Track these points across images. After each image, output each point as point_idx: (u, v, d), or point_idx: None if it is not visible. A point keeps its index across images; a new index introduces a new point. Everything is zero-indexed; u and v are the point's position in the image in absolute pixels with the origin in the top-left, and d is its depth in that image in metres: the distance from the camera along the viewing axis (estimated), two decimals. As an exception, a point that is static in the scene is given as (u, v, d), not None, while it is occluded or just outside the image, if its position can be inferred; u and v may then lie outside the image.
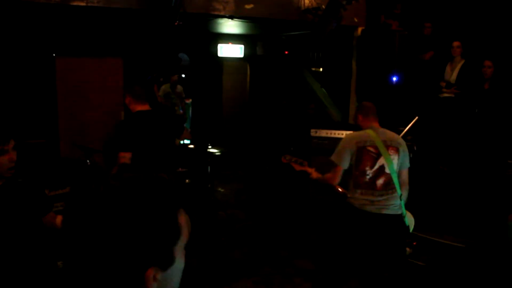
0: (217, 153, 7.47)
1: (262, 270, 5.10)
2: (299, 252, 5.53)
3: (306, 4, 7.57)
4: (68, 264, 0.90)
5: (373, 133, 3.70)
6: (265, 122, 9.92)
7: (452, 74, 6.96)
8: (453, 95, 6.97)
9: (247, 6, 7.20)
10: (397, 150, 3.69)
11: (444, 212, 5.74)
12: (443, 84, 7.02)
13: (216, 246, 5.66)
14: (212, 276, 4.89)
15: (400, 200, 3.67)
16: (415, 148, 6.37)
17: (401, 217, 3.71)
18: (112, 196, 0.90)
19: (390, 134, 3.78)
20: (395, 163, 3.66)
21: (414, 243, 5.01)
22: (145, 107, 4.15)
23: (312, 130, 5.56)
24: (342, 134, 5.52)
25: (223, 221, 6.45)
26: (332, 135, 5.52)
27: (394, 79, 7.39)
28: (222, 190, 7.99)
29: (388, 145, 3.67)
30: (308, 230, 5.79)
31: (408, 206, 4.28)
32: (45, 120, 7.13)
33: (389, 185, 3.64)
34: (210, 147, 6.01)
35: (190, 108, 10.31)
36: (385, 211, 3.65)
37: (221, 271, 5.02)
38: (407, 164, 3.77)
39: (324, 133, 5.52)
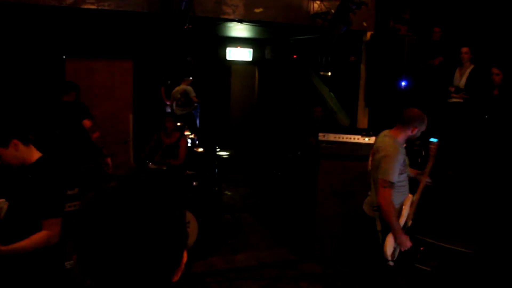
0: (224, 156, 7.49)
1: (269, 273, 5.10)
2: (307, 256, 5.52)
3: (315, 9, 7.58)
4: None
5: None
6: (273, 126, 9.92)
7: (461, 79, 6.93)
8: (462, 100, 6.93)
9: (257, 10, 7.22)
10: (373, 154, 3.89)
11: (452, 218, 5.71)
12: (452, 89, 6.99)
13: (223, 249, 5.67)
14: (218, 279, 4.89)
15: None
16: (423, 153, 6.35)
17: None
18: (123, 195, 0.93)
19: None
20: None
21: (422, 248, 4.99)
22: (69, 98, 5.47)
23: (320, 134, 5.54)
24: (350, 138, 5.50)
25: (230, 224, 6.46)
26: (340, 139, 5.50)
27: (403, 84, 7.37)
28: (229, 193, 8.00)
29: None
30: (314, 234, 5.78)
31: (416, 211, 4.28)
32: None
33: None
34: (218, 150, 6.02)
35: (198, 111, 10.34)
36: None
37: (228, 275, 5.03)
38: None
39: (332, 137, 5.50)
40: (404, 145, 3.79)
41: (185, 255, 0.98)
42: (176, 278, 0.96)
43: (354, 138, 5.50)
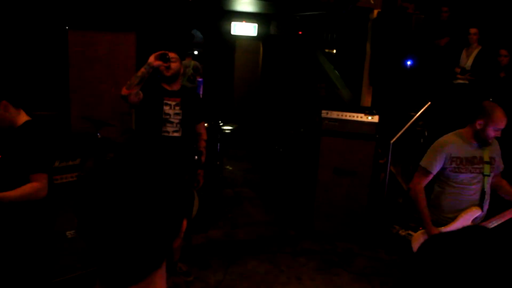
0: (227, 131, 7.47)
1: (267, 248, 5.15)
2: (306, 232, 5.56)
3: (322, -16, 7.46)
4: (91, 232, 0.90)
5: None
6: (277, 102, 9.89)
7: (468, 60, 6.86)
8: (467, 82, 6.88)
9: (263, -16, 7.12)
10: None
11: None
12: (458, 70, 6.93)
13: (223, 223, 5.72)
14: (218, 253, 4.94)
15: None
16: (426, 133, 6.33)
17: None
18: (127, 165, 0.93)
19: None
20: None
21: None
22: None
23: (323, 111, 5.51)
24: (353, 116, 5.48)
25: (230, 199, 6.50)
26: (343, 117, 5.48)
27: (409, 63, 7.29)
28: (230, 168, 8.03)
29: None
30: (314, 210, 5.81)
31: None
32: (57, 92, 7.16)
33: None
34: (221, 124, 5.99)
35: (202, 86, 10.30)
36: None
37: (227, 248, 5.08)
38: None
39: (335, 114, 5.48)
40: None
41: (184, 223, 0.98)
42: (175, 245, 0.96)
43: (357, 116, 5.48)
